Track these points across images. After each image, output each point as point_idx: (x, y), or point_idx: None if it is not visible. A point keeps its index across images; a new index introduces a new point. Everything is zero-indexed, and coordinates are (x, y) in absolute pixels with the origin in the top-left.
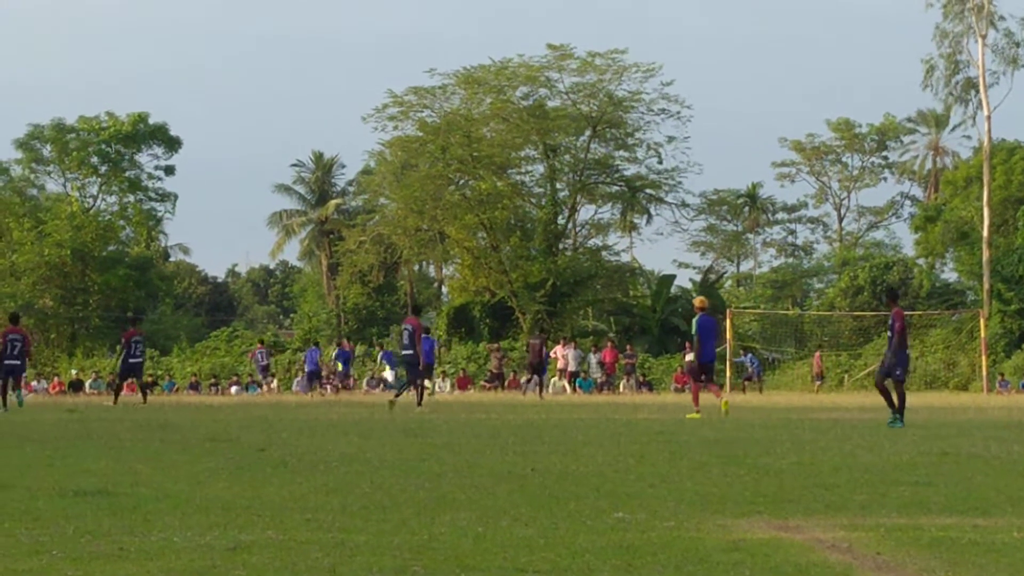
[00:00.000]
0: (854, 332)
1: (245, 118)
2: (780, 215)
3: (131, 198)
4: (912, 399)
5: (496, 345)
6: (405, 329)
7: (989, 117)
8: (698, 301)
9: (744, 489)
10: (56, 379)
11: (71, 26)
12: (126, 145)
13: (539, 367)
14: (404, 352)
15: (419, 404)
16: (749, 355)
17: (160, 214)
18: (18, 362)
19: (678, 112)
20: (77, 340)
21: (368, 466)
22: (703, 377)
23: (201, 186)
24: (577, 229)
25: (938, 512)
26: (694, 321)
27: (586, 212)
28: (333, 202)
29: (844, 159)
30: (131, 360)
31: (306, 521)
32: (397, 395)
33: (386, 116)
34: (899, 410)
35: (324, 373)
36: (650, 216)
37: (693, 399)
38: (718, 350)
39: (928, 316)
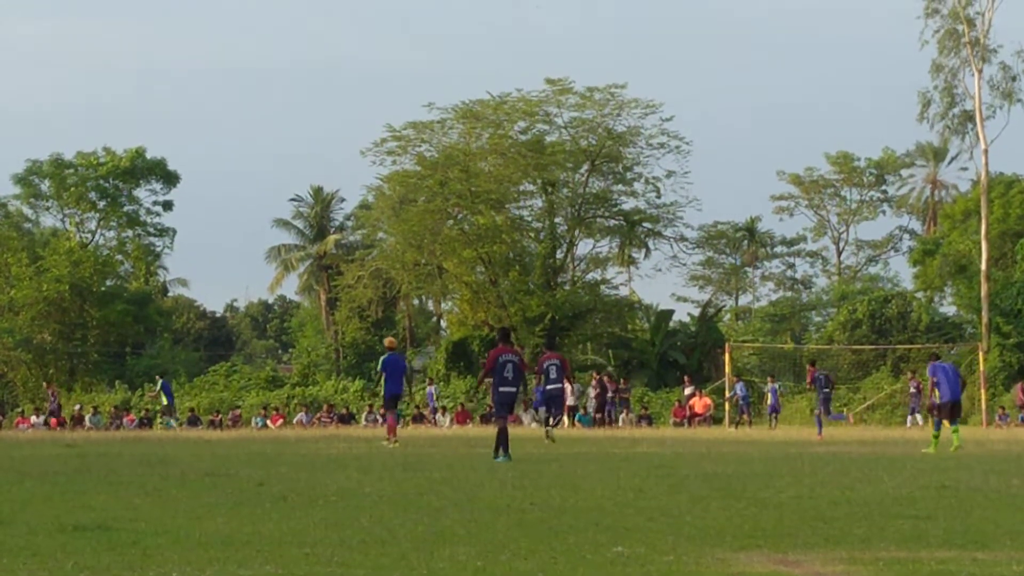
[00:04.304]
0: (853, 366)
1: (243, 152)
2: (779, 249)
3: (129, 233)
4: (912, 432)
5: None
6: (553, 364)
7: (986, 151)
8: (387, 342)
9: (743, 523)
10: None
11: (69, 60)
12: (124, 180)
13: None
14: (552, 387)
15: (548, 436)
16: (740, 383)
17: (159, 249)
18: None
19: (677, 147)
20: (76, 375)
21: (367, 500)
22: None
23: (199, 221)
24: (575, 263)
25: (937, 546)
26: (382, 359)
27: (584, 246)
28: (332, 237)
29: (843, 193)
30: None
31: (305, 556)
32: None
33: (384, 150)
34: (499, 445)
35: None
36: (648, 250)
37: (389, 429)
38: (715, 384)
39: (927, 350)
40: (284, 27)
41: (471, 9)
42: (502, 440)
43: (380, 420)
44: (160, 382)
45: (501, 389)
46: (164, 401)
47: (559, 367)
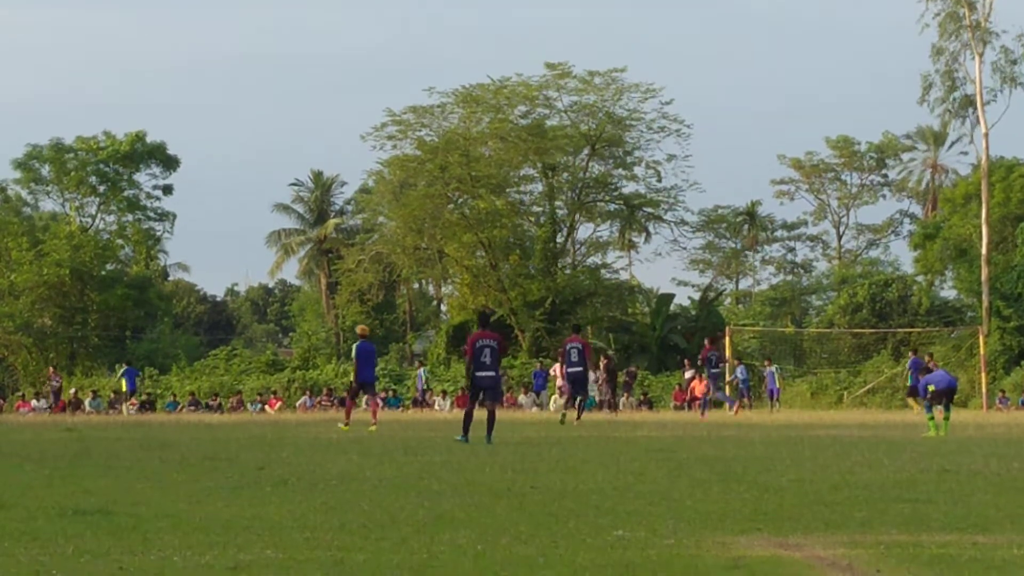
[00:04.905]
0: (853, 349)
1: (243, 137)
2: (779, 233)
3: (129, 217)
4: (912, 416)
5: None
6: (574, 347)
7: (987, 134)
8: (359, 329)
9: (744, 506)
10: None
11: (69, 46)
12: (124, 164)
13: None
14: (573, 370)
15: (576, 419)
16: (741, 366)
17: (159, 233)
18: None
19: (678, 130)
20: (76, 359)
21: (367, 484)
22: (365, 395)
23: (200, 205)
24: (576, 247)
25: (938, 529)
26: (354, 346)
27: (585, 230)
28: (332, 221)
29: (843, 177)
30: None
31: (305, 540)
32: (564, 412)
33: (385, 135)
34: (466, 426)
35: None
36: (649, 234)
37: (346, 413)
38: (715, 370)
39: (927, 333)
40: (284, 12)
41: None
42: (467, 422)
43: (379, 404)
44: (124, 369)
45: (478, 374)
46: (124, 387)
47: (580, 351)
